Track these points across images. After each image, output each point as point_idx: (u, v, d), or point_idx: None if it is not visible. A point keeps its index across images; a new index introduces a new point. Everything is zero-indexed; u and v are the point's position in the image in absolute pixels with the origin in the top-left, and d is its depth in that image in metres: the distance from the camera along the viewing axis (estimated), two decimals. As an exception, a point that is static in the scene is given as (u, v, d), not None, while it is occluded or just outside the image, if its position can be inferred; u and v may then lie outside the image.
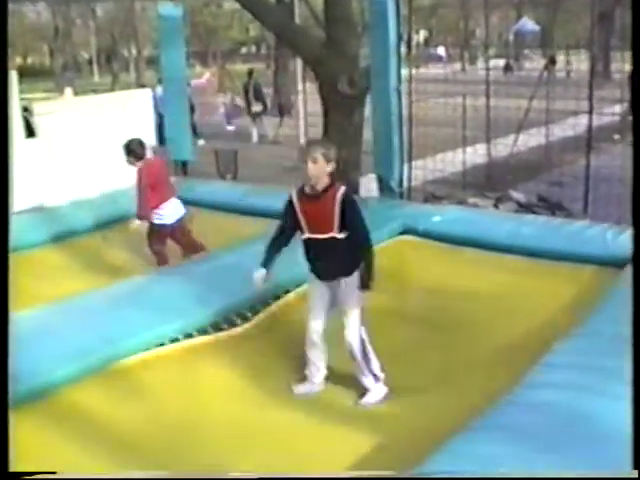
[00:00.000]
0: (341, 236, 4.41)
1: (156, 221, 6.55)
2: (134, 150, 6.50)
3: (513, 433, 3.28)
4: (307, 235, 4.49)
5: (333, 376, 4.54)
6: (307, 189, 4.46)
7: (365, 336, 4.47)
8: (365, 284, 4.45)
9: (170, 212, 6.63)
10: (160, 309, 4.97)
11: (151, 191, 6.39)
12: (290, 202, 4.55)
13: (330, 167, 4.42)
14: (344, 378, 4.47)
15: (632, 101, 2.88)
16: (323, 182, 4.41)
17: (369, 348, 4.46)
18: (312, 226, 4.46)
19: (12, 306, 2.75)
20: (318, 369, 4.58)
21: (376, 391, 4.43)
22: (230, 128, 20.26)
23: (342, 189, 4.44)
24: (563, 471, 2.89)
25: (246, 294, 5.24)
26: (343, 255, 4.42)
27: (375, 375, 4.45)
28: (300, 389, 4.55)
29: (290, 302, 5.45)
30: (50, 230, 7.40)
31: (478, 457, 3.10)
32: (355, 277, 4.46)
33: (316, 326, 4.53)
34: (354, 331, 4.42)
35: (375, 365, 4.47)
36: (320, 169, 4.37)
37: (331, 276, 4.49)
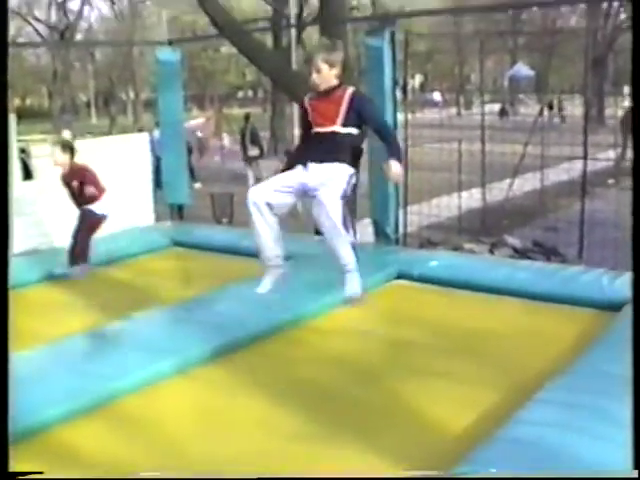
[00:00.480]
0: (343, 131, 4.45)
1: (98, 211, 7.10)
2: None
3: (499, 469, 3.25)
4: (314, 130, 4.56)
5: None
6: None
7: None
8: (394, 155, 4.47)
9: (107, 204, 7.23)
10: (155, 348, 4.98)
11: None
12: (302, 105, 4.72)
13: (335, 70, 4.50)
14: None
15: (633, 142, 2.89)
16: (330, 84, 4.50)
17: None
18: (318, 121, 4.55)
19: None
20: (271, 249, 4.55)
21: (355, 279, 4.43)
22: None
23: (351, 88, 4.51)
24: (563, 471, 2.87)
25: (241, 332, 5.28)
26: (337, 147, 4.44)
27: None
28: (262, 287, 4.44)
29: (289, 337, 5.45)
30: (45, 270, 7.37)
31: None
32: (338, 169, 4.44)
33: (271, 198, 4.53)
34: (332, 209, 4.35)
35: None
36: (325, 77, 4.47)
37: (316, 159, 4.49)
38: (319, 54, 4.52)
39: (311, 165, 4.51)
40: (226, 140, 22.57)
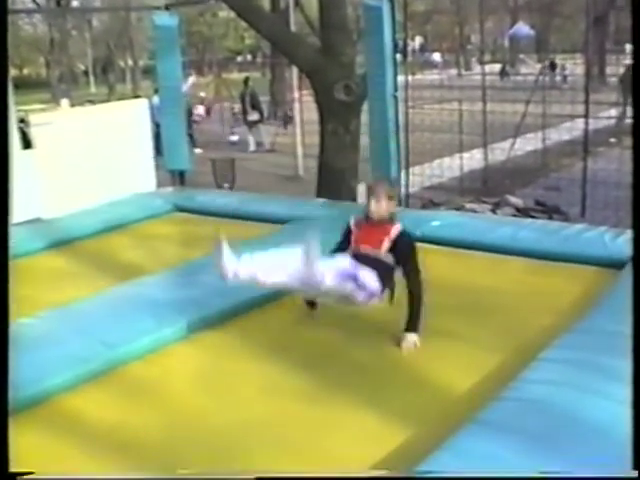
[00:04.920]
0: (384, 256, 4.56)
1: None
2: None
3: (506, 430, 3.29)
4: (354, 248, 4.67)
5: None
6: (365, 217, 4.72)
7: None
8: (410, 326, 4.55)
9: None
10: (160, 312, 5.00)
11: None
12: (348, 227, 4.84)
13: (392, 206, 4.71)
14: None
15: (633, 101, 2.87)
16: (384, 215, 4.67)
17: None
18: (359, 243, 4.67)
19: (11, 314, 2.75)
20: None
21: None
22: (234, 138, 20.21)
23: (399, 226, 4.66)
24: (562, 471, 2.89)
25: (245, 295, 5.28)
26: (376, 267, 4.47)
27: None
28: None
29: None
30: (48, 238, 7.39)
31: (472, 455, 3.11)
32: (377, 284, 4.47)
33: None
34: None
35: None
36: (382, 208, 4.64)
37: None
38: (381, 186, 4.77)
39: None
40: None
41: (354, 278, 4.31)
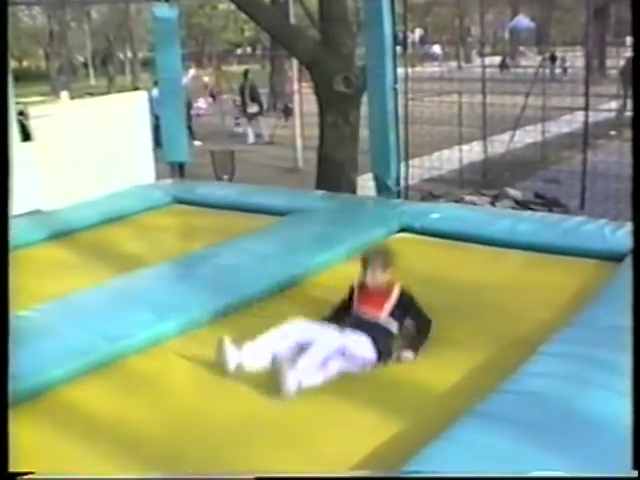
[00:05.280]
0: (384, 323, 4.60)
1: None
2: None
3: (504, 422, 3.30)
4: (355, 313, 4.71)
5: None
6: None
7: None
8: (413, 348, 4.54)
9: None
10: (159, 305, 5.01)
11: None
12: (351, 287, 4.86)
13: (388, 275, 4.72)
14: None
15: (633, 94, 2.87)
16: (378, 287, 4.71)
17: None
18: (362, 308, 4.71)
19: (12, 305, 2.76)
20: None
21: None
22: (239, 130, 20.16)
23: (397, 289, 4.70)
24: (562, 471, 2.89)
25: (246, 290, 5.31)
26: (375, 334, 4.49)
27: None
28: None
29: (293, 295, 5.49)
30: (48, 230, 7.38)
31: (471, 446, 3.12)
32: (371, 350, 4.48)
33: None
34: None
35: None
36: (377, 279, 4.69)
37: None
38: (378, 258, 4.77)
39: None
40: None
41: (342, 352, 4.33)
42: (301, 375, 4.11)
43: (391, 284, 4.74)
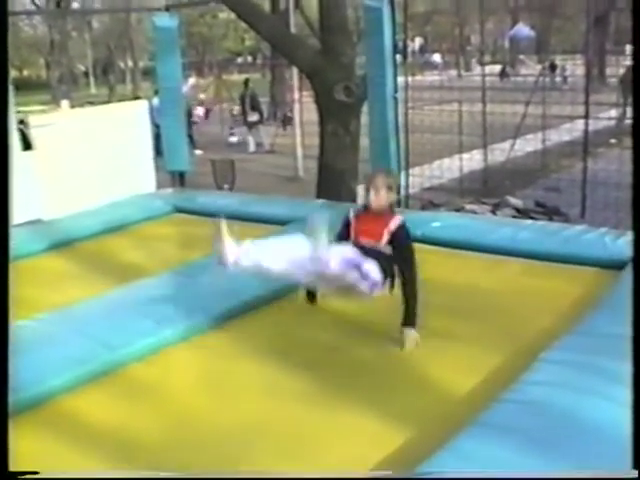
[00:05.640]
0: (384, 248, 4.55)
1: None
2: None
3: (506, 432, 3.29)
4: (354, 241, 4.64)
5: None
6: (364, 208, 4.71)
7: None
8: (407, 321, 4.54)
9: None
10: (160, 314, 5.00)
11: None
12: (347, 219, 4.81)
13: (391, 197, 4.67)
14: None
15: (633, 102, 2.87)
16: (382, 208, 4.65)
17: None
18: (362, 236, 4.64)
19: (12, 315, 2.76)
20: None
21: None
22: (233, 140, 20.20)
23: (398, 219, 4.62)
24: (562, 471, 2.89)
25: (245, 296, 5.31)
26: (377, 258, 4.45)
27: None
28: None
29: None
30: (48, 240, 7.38)
31: (473, 457, 3.11)
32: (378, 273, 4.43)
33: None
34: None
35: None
36: (381, 199, 4.62)
37: None
38: (380, 176, 4.70)
39: None
40: None
41: (358, 267, 4.28)
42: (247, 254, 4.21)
43: (392, 210, 4.71)
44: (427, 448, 3.27)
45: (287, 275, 4.39)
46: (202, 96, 27.99)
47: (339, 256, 4.20)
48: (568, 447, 3.17)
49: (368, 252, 4.48)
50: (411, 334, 4.54)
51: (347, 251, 4.34)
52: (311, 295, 5.14)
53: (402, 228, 4.63)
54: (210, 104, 26.47)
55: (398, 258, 4.61)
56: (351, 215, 4.82)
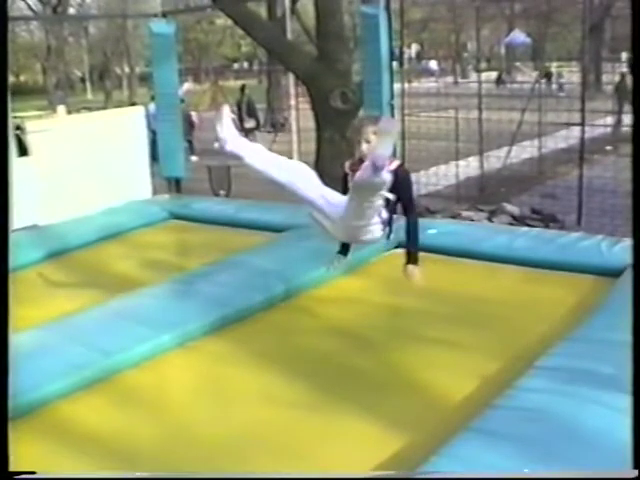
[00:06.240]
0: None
1: None
2: None
3: (502, 438, 3.29)
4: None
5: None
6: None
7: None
8: (410, 260, 4.48)
9: None
10: (155, 321, 5.00)
11: None
12: (344, 173, 4.67)
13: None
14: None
15: (633, 107, 2.87)
16: None
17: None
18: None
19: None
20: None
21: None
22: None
23: (395, 163, 4.46)
24: (562, 471, 2.89)
25: (241, 304, 5.31)
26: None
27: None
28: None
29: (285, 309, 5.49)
30: (44, 247, 7.37)
31: (468, 462, 3.12)
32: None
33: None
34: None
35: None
36: (373, 147, 4.34)
37: None
38: (368, 126, 4.51)
39: None
40: None
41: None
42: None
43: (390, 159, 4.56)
44: (423, 453, 3.27)
45: (281, 185, 4.44)
46: (193, 115, 27.95)
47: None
48: (563, 453, 3.17)
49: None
50: (413, 270, 4.47)
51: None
52: (344, 247, 5.04)
53: (401, 168, 4.49)
54: (201, 115, 26.37)
55: (401, 198, 4.50)
56: (347, 167, 4.70)
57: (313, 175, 4.53)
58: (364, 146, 4.42)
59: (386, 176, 3.99)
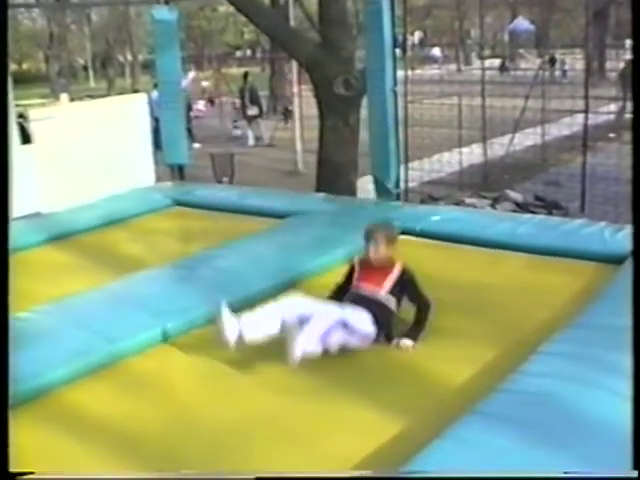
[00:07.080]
0: (384, 299, 4.62)
1: None
2: None
3: (505, 422, 3.31)
4: (354, 289, 4.71)
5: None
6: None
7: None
8: (410, 335, 4.56)
9: None
10: (159, 308, 5.00)
11: None
12: (351, 265, 4.88)
13: (391, 250, 4.73)
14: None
15: (633, 95, 2.87)
16: (381, 262, 4.72)
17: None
18: (363, 284, 4.71)
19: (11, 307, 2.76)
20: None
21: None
22: (237, 132, 20.17)
23: (399, 266, 4.70)
24: (562, 471, 2.89)
25: (244, 290, 5.30)
26: (375, 310, 4.53)
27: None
28: None
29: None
30: (47, 233, 7.38)
31: (471, 444, 3.13)
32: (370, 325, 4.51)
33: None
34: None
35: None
36: (380, 254, 4.69)
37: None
38: (380, 230, 4.76)
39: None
40: None
41: (343, 325, 4.33)
42: (304, 344, 4.13)
43: (393, 261, 4.73)
44: (426, 436, 3.29)
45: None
46: (204, 84, 27.96)
47: (321, 326, 4.23)
48: (565, 436, 3.19)
49: (365, 302, 4.55)
50: (407, 342, 4.55)
51: (327, 315, 4.33)
52: None
53: (405, 273, 4.72)
54: (213, 93, 26.39)
55: (410, 296, 4.71)
56: (355, 261, 4.88)
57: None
58: (371, 251, 4.69)
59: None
